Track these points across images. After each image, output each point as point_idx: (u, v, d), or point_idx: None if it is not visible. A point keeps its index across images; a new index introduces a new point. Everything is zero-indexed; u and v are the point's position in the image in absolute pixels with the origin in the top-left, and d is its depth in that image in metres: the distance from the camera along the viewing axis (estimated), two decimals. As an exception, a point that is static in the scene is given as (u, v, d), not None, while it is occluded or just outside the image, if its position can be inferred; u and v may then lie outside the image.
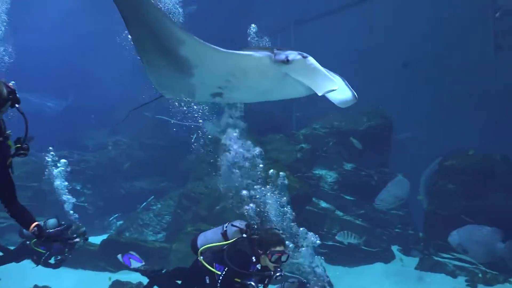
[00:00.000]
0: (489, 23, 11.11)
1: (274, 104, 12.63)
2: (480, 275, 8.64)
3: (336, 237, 9.40)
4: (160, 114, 14.74)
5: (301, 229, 7.67)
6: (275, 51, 4.06)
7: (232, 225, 4.58)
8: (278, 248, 4.18)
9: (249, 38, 4.96)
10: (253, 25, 5.02)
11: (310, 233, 6.62)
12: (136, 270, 5.79)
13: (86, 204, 13.21)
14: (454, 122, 11.95)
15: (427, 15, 13.54)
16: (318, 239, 6.54)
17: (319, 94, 3.96)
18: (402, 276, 9.31)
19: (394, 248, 10.66)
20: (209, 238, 4.67)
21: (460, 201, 9.19)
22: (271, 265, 4.16)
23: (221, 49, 3.97)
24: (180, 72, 4.22)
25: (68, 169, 8.08)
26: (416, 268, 9.56)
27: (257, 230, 4.47)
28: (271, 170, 7.39)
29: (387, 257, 10.27)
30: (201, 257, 4.55)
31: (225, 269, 4.26)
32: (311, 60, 4.02)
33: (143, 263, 5.97)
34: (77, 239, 5.08)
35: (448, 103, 12.45)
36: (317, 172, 11.43)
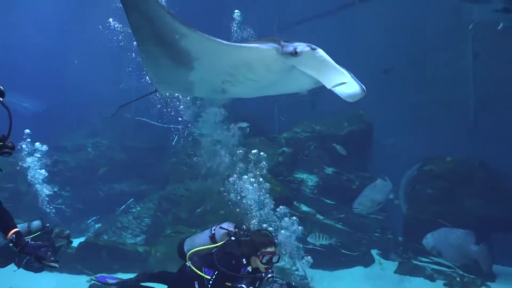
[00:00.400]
0: (467, 31, 11.33)
1: (258, 107, 12.73)
2: (458, 278, 8.78)
3: (308, 239, 9.40)
4: (141, 116, 14.62)
5: (282, 231, 7.72)
6: (282, 42, 3.85)
7: (221, 228, 4.48)
8: (269, 249, 4.12)
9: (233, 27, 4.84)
10: (236, 11, 4.92)
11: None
12: (115, 284, 5.55)
13: (63, 206, 13.00)
14: (434, 128, 12.12)
15: (408, 23, 13.74)
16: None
17: (328, 88, 3.76)
18: (381, 280, 9.40)
19: (374, 252, 10.75)
20: (196, 242, 4.55)
21: (438, 205, 9.33)
22: (262, 267, 4.09)
23: (225, 42, 3.80)
24: (180, 64, 4.05)
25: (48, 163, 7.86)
26: (395, 272, 9.65)
27: (246, 231, 4.39)
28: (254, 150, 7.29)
29: (367, 261, 10.35)
30: (189, 262, 4.44)
31: (215, 273, 4.18)
32: (320, 52, 3.81)
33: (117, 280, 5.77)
34: (53, 262, 4.83)
35: (428, 109, 12.63)
36: (298, 175, 11.46)
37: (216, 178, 9.98)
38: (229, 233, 4.41)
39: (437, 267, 9.07)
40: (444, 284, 8.84)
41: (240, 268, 4.13)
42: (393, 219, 11.17)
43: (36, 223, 6.00)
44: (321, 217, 10.79)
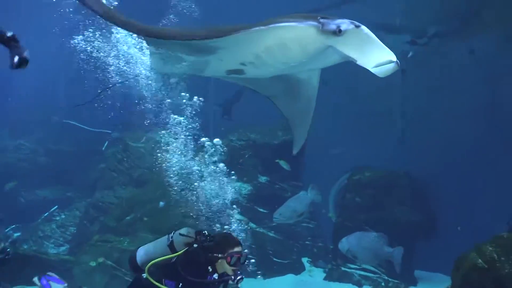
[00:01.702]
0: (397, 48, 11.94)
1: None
2: (383, 283, 9.14)
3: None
4: (69, 118, 13.99)
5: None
6: (321, 20, 3.38)
7: (180, 235, 4.10)
8: (236, 249, 3.92)
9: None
10: None
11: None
12: None
13: (-21, 213, 12.06)
14: (365, 138, 12.61)
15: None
16: None
17: (372, 67, 3.31)
18: (310, 287, 9.56)
19: (304, 260, 10.92)
20: (151, 252, 4.15)
21: (366, 213, 9.70)
22: (229, 269, 3.87)
23: (258, 27, 3.32)
24: (200, 52, 3.63)
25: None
26: (324, 279, 9.87)
27: (208, 236, 4.07)
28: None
29: (298, 269, 10.49)
30: (147, 274, 4.02)
31: (179, 285, 3.88)
32: (365, 29, 3.37)
33: (66, 285, 5.36)
34: None
35: (360, 121, 13.14)
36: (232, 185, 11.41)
37: (148, 184, 9.72)
38: (190, 240, 4.08)
39: (363, 273, 9.40)
40: (370, 289, 9.20)
41: (206, 276, 3.88)
42: (324, 227, 11.44)
43: None
44: (254, 225, 10.81)
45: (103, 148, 13.04)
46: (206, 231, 4.11)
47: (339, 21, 3.35)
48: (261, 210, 11.19)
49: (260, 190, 11.42)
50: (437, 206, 9.96)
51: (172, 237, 4.11)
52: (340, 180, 11.33)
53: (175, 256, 4.02)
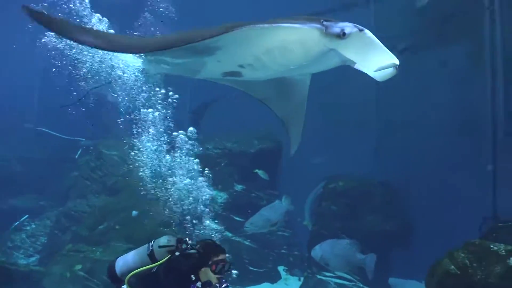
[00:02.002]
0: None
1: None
2: (357, 291, 9.19)
3: None
4: (43, 126, 13.72)
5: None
6: (324, 22, 3.33)
7: (160, 247, 3.94)
8: (221, 257, 3.85)
9: None
10: None
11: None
12: None
13: None
14: (342, 148, 12.70)
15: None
16: None
17: (373, 71, 3.30)
18: (286, 296, 9.55)
19: (280, 268, 10.90)
20: (131, 262, 3.97)
21: (342, 221, 9.74)
22: (214, 278, 3.76)
23: (261, 24, 3.20)
24: (197, 53, 3.49)
25: None
26: (300, 287, 9.85)
27: (190, 244, 3.95)
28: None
29: (274, 277, 10.46)
30: (126, 285, 3.89)
31: None
32: (368, 33, 3.35)
33: None
34: None
35: (338, 130, 13.25)
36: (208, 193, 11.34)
37: (122, 193, 9.56)
38: (171, 248, 3.93)
39: (339, 281, 9.42)
40: (346, 297, 9.22)
41: (189, 285, 3.75)
42: (300, 235, 11.45)
43: None
44: (230, 234, 10.74)
45: (76, 156, 12.81)
46: (187, 239, 3.99)
47: (342, 24, 3.33)
48: (237, 218, 11.14)
49: (236, 199, 11.39)
50: (412, 214, 10.10)
51: (152, 246, 3.96)
52: (316, 189, 11.39)
53: (155, 265, 3.88)
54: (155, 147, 5.82)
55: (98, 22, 4.58)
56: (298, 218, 11.31)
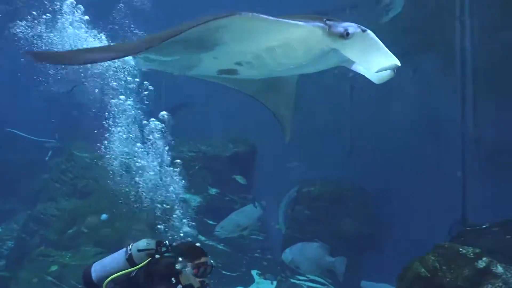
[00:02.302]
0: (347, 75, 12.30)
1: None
2: (330, 294, 9.26)
3: None
4: (11, 127, 13.39)
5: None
6: (327, 22, 3.28)
7: (139, 251, 3.81)
8: (203, 260, 3.71)
9: None
10: None
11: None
12: None
13: None
14: (316, 151, 12.78)
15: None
16: None
17: (374, 72, 3.27)
18: (259, 299, 9.53)
19: (254, 272, 10.89)
20: (109, 267, 3.83)
21: (316, 225, 9.81)
22: (196, 281, 3.64)
23: (264, 16, 3.07)
24: (195, 48, 3.36)
25: None
26: (273, 291, 9.88)
27: (169, 247, 3.84)
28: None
29: (247, 281, 10.45)
30: None
31: None
32: (371, 34, 3.33)
33: None
34: None
35: (312, 135, 13.34)
36: (181, 196, 11.26)
37: (93, 195, 9.39)
38: (150, 252, 3.81)
39: (312, 285, 9.47)
40: (318, 301, 9.28)
41: None
42: (273, 239, 11.47)
43: None
44: (203, 238, 10.67)
45: (47, 158, 12.52)
46: (167, 241, 3.90)
47: (346, 24, 3.31)
48: (211, 222, 11.08)
49: (210, 202, 11.33)
50: (384, 217, 10.26)
51: (130, 249, 3.83)
52: (290, 193, 11.45)
53: (135, 269, 3.76)
54: (127, 148, 5.73)
55: (73, 8, 4.46)
56: (272, 222, 11.34)
